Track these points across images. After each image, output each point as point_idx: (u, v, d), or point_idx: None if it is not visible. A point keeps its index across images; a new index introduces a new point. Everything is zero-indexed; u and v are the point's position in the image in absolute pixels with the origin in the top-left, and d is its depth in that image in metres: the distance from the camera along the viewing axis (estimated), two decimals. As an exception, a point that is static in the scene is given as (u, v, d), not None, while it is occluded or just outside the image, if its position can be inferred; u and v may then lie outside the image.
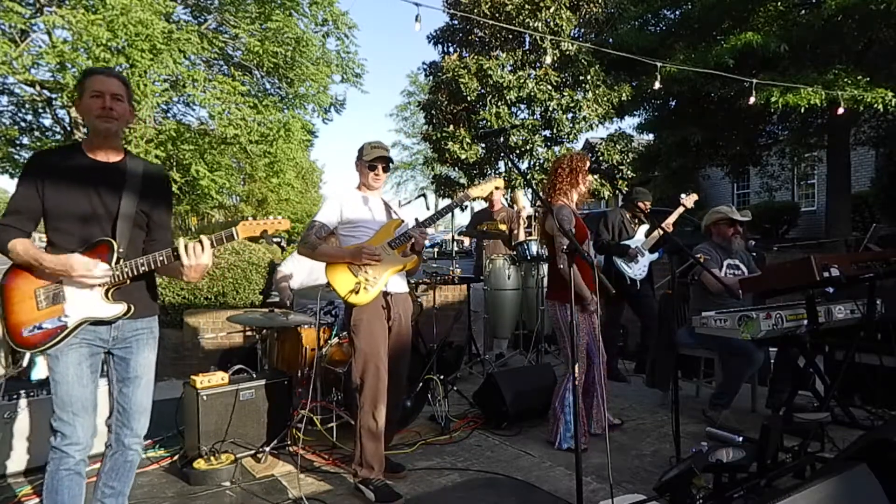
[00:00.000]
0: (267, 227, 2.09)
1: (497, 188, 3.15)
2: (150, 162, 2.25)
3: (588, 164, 3.34)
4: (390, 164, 2.95)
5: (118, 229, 2.00)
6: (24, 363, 3.31)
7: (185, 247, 1.96)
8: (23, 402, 2.97)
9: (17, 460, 2.94)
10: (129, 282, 2.01)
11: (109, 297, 1.98)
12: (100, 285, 1.95)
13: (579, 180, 3.34)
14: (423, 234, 2.81)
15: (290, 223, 2.21)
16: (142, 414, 2.12)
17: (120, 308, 1.99)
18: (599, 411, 3.32)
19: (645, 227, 5.02)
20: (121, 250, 1.99)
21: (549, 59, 11.49)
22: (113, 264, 1.96)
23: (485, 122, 11.73)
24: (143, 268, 1.99)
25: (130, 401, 2.09)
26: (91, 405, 1.99)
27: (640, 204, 4.97)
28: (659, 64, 7.19)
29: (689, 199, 4.61)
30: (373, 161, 2.86)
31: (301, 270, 4.57)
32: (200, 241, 1.98)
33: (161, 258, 2.00)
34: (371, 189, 2.93)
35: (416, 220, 2.97)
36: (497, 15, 11.48)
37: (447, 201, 3.24)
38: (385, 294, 2.78)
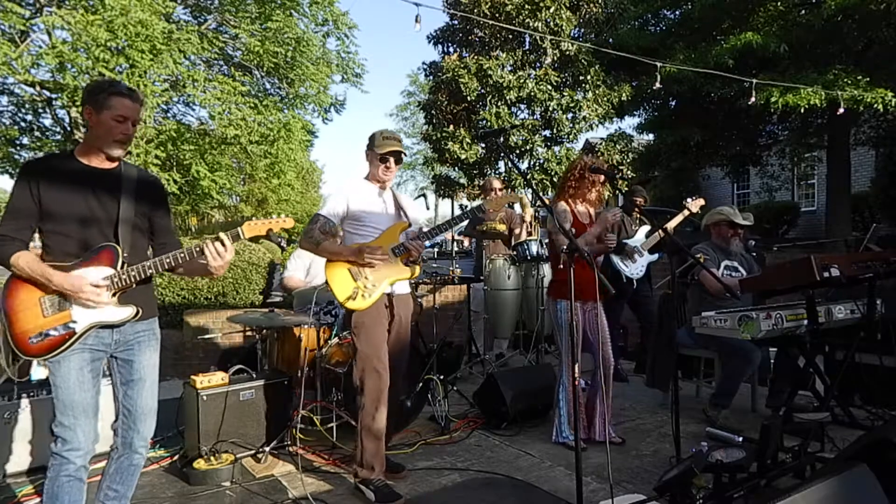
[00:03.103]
0: (272, 226, 2.11)
1: (513, 204, 3.08)
2: (143, 168, 2.26)
3: (598, 177, 3.29)
4: (403, 157, 2.85)
5: (120, 234, 2.00)
6: (32, 368, 3.30)
7: (208, 247, 2.00)
8: (23, 402, 2.97)
9: (18, 461, 2.94)
10: (135, 285, 2.01)
11: (116, 300, 1.99)
12: (107, 288, 1.95)
13: (585, 191, 3.33)
14: (420, 247, 2.75)
15: (294, 221, 2.22)
16: (147, 416, 2.12)
17: (129, 311, 2.00)
18: (602, 420, 3.29)
19: (646, 228, 5.01)
20: (125, 255, 1.99)
21: (549, 59, 11.50)
22: (118, 269, 1.97)
23: (485, 122, 11.72)
24: (169, 262, 2.00)
25: (136, 403, 2.08)
26: (92, 410, 1.98)
27: (637, 199, 4.97)
28: (659, 64, 7.19)
29: (694, 204, 4.57)
30: (385, 154, 2.76)
31: (300, 269, 4.56)
32: (221, 240, 2.01)
33: (182, 255, 2.01)
34: (381, 182, 2.84)
35: (420, 229, 2.90)
36: (497, 15, 11.47)
37: (447, 201, 3.22)
38: (388, 295, 2.75)
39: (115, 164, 2.06)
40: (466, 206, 12.69)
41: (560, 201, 3.36)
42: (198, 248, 2.04)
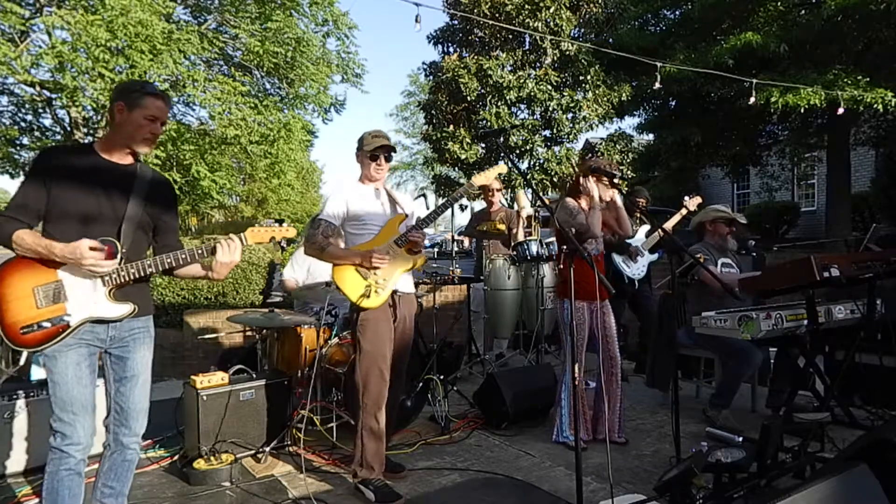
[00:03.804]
0: (275, 234, 2.16)
1: (501, 174, 3.10)
2: (156, 170, 2.28)
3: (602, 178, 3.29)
4: (392, 154, 2.88)
5: (123, 231, 2.00)
6: (22, 362, 3.30)
7: (220, 243, 2.04)
8: (22, 402, 2.96)
9: (17, 460, 2.94)
10: (132, 282, 2.01)
11: (112, 296, 1.98)
12: (103, 283, 1.96)
13: (590, 189, 3.33)
14: (420, 235, 2.76)
15: (296, 232, 2.27)
16: (140, 413, 2.12)
17: (127, 308, 2.01)
18: (607, 419, 3.29)
19: (646, 228, 5.01)
20: (123, 250, 1.99)
21: (549, 59, 11.50)
22: (117, 264, 1.97)
23: (485, 122, 11.73)
24: (170, 261, 2.02)
25: (128, 400, 2.08)
26: (90, 405, 1.99)
27: (640, 200, 4.97)
28: (659, 64, 7.18)
29: (691, 202, 4.58)
30: (374, 151, 2.78)
31: (300, 270, 4.56)
32: (232, 239, 2.06)
33: (184, 256, 2.03)
34: (373, 180, 2.86)
35: (418, 218, 2.91)
36: (497, 15, 11.48)
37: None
38: (393, 293, 2.75)
39: (132, 162, 2.08)
40: (466, 206, 12.61)
41: (568, 198, 3.36)
42: (199, 250, 2.04)
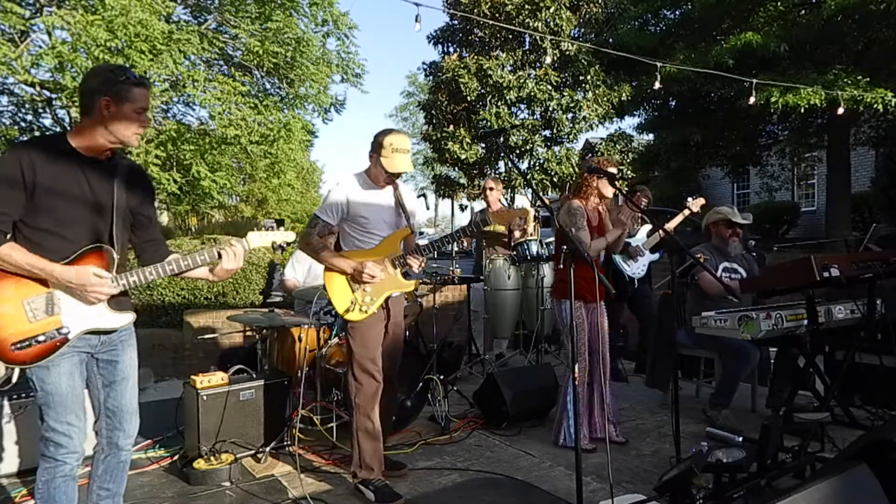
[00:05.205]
0: (276, 238, 2.17)
1: (521, 218, 2.89)
2: (130, 160, 2.17)
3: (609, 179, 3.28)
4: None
5: (114, 231, 1.92)
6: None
7: (225, 251, 2.02)
8: (16, 402, 2.94)
9: (10, 461, 2.92)
10: (134, 289, 1.99)
11: (111, 306, 1.92)
12: (111, 281, 1.88)
13: (597, 192, 3.34)
14: (421, 262, 2.70)
15: (296, 236, 2.28)
16: (132, 414, 2.07)
17: (128, 317, 1.97)
18: (603, 417, 3.28)
19: (647, 227, 5.01)
20: (117, 256, 1.92)
21: (549, 59, 11.49)
22: (112, 273, 1.89)
23: (485, 122, 11.72)
24: (171, 269, 1.98)
25: (120, 403, 2.03)
26: (84, 411, 1.94)
27: (643, 200, 4.95)
28: (659, 64, 7.18)
29: (694, 204, 4.54)
30: (394, 174, 2.68)
31: (300, 269, 4.56)
32: (235, 245, 2.04)
33: (187, 262, 2.00)
34: (381, 187, 2.75)
35: (418, 245, 2.79)
36: (497, 15, 11.47)
37: (447, 201, 3.21)
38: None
39: (110, 156, 1.97)
40: (466, 206, 12.58)
41: (574, 199, 3.35)
42: (203, 256, 2.01)
